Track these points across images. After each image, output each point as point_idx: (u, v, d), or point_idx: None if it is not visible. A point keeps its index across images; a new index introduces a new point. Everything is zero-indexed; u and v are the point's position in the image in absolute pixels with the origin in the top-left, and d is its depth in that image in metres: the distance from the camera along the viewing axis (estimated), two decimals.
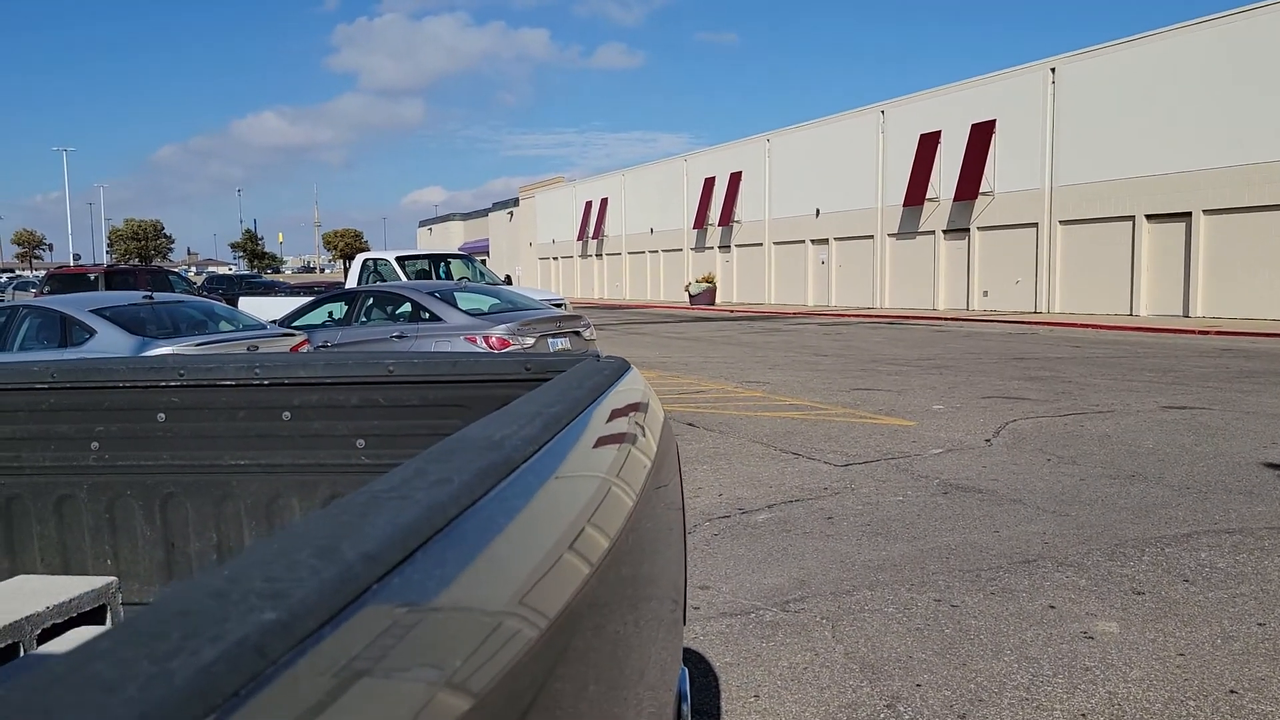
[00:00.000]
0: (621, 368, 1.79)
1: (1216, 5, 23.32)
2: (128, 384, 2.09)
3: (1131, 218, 25.37)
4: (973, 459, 7.29)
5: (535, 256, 62.83)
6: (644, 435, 1.58)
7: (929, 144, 31.39)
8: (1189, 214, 23.97)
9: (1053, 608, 4.13)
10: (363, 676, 0.58)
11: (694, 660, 3.65)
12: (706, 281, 40.52)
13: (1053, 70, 27.45)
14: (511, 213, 67.16)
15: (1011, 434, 8.32)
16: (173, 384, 2.07)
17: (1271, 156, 22.09)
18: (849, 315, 30.22)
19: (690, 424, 9.11)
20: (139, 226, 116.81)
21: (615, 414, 1.51)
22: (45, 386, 2.16)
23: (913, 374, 13.14)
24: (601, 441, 1.36)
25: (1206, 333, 19.85)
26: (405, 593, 0.67)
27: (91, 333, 8.05)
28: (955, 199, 30.37)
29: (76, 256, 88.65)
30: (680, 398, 11.07)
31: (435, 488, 0.83)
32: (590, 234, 54.84)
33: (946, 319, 27.12)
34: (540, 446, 1.08)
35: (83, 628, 1.95)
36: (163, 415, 2.10)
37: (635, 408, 1.64)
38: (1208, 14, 23.67)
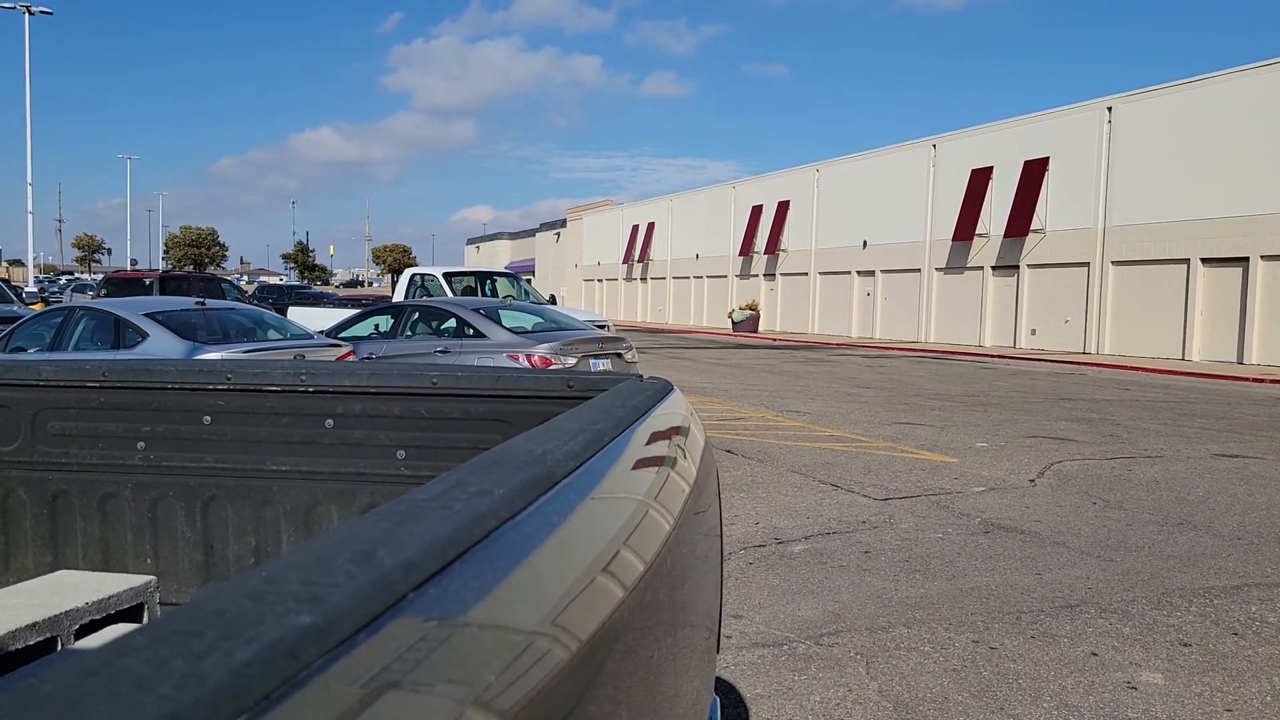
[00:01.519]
0: (664, 389, 1.78)
1: (1275, 50, 22.92)
2: (176, 386, 2.12)
3: (1186, 260, 24.88)
4: (1016, 499, 7.15)
5: (580, 278, 63.18)
6: (684, 458, 1.56)
7: (980, 179, 31.11)
8: (1246, 258, 23.46)
9: (1095, 655, 4.02)
10: (395, 686, 0.58)
11: (725, 690, 3.61)
12: (750, 309, 40.41)
13: (1109, 109, 27.12)
14: (559, 234, 67.68)
15: (1056, 475, 8.16)
16: (220, 388, 2.10)
17: None
18: (893, 348, 29.94)
19: (729, 451, 9.06)
20: (196, 234, 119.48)
21: (656, 435, 1.50)
22: (96, 385, 2.20)
23: (956, 410, 12.96)
24: (642, 463, 1.35)
25: (1261, 380, 19.36)
26: (442, 603, 0.66)
27: (144, 336, 8.22)
28: (1005, 235, 30.03)
29: (133, 261, 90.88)
30: (720, 424, 11.01)
31: (475, 499, 0.83)
32: (635, 257, 55.04)
33: (993, 356, 26.75)
34: (581, 463, 1.07)
35: (120, 625, 1.97)
36: (209, 418, 2.13)
37: (677, 430, 1.63)
38: (1267, 58, 23.28)
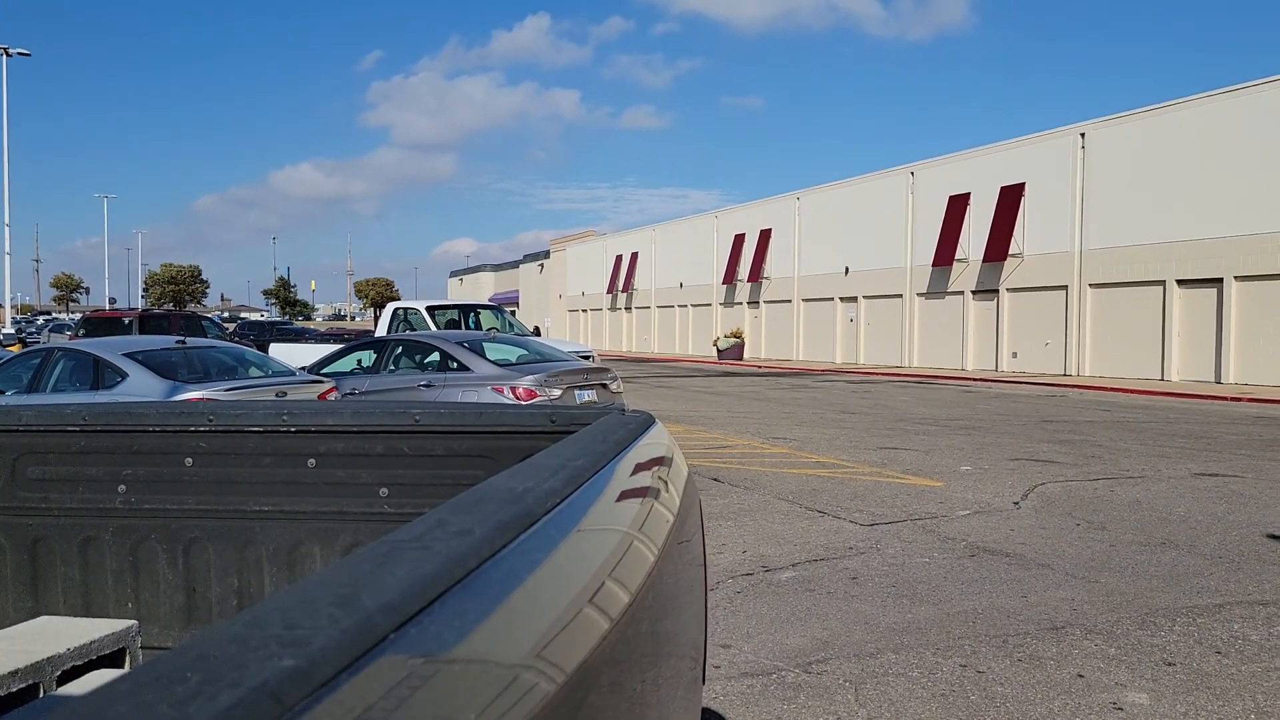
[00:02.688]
0: (646, 422, 1.80)
1: (1245, 74, 23.39)
2: (157, 428, 2.12)
3: (1162, 282, 25.18)
4: (1000, 522, 7.19)
5: (564, 308, 63.26)
6: (667, 490, 1.58)
7: (958, 205, 31.46)
8: (1221, 280, 23.77)
9: (1081, 676, 4.04)
10: None
11: None
12: (735, 336, 40.55)
13: (1083, 135, 27.53)
14: (542, 265, 67.83)
15: (1040, 497, 8.20)
16: (202, 429, 2.11)
17: None
18: (877, 373, 30.07)
19: (716, 479, 9.06)
20: (176, 271, 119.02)
21: (639, 468, 1.52)
22: (76, 429, 2.20)
23: (940, 434, 13.02)
24: (624, 495, 1.36)
25: (1239, 399, 19.55)
26: (423, 643, 0.68)
27: (124, 376, 8.18)
28: (984, 260, 30.32)
29: (112, 300, 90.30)
30: (706, 452, 11.02)
31: (456, 539, 0.85)
32: (620, 287, 55.20)
33: (975, 379, 26.91)
34: (563, 499, 1.09)
35: (102, 670, 1.96)
36: (190, 460, 2.13)
37: (659, 462, 1.65)
38: (1237, 83, 23.74)
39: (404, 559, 0.78)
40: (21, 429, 2.24)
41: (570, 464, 1.27)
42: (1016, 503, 7.96)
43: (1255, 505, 7.86)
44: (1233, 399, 19.66)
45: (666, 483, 1.61)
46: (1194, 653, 4.33)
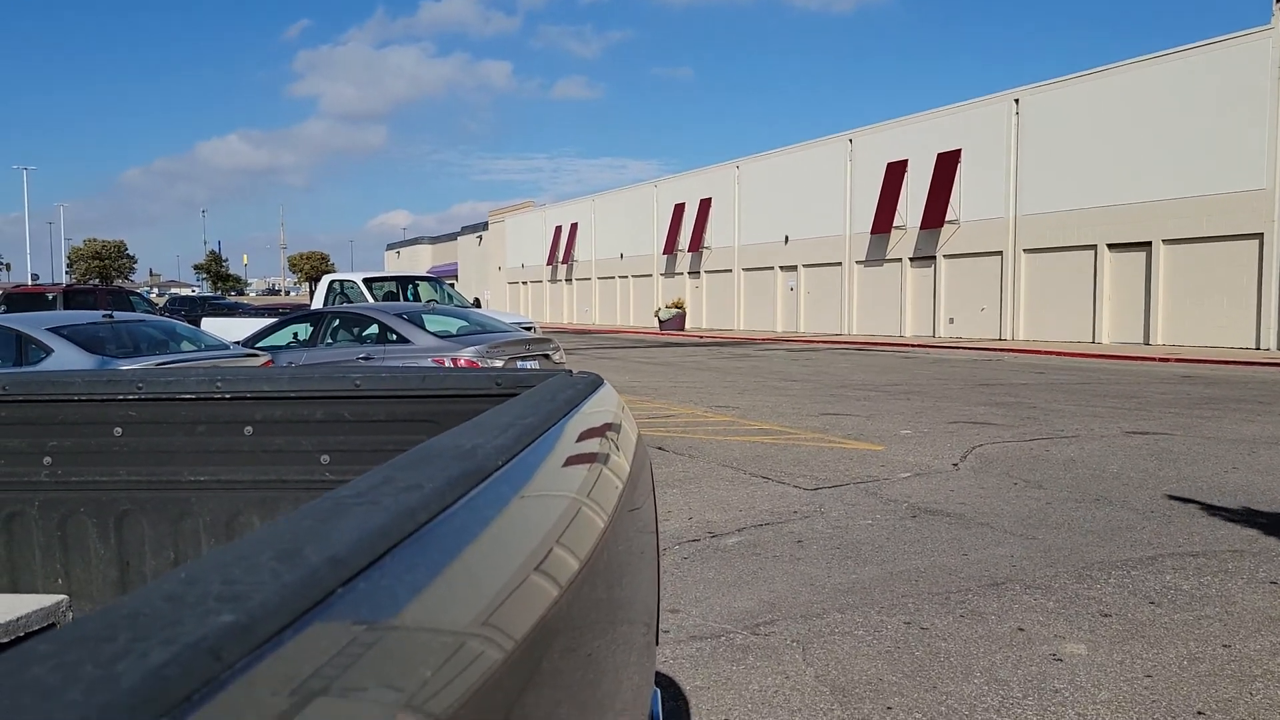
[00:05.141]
0: (595, 382, 1.76)
1: (1175, 40, 23.95)
2: (83, 397, 2.02)
3: (1094, 247, 25.81)
4: (940, 483, 7.32)
5: (504, 281, 62.73)
6: (617, 453, 1.55)
7: (896, 172, 31.81)
8: (1149, 244, 24.44)
9: (1021, 630, 4.13)
10: (325, 685, 0.55)
11: (665, 684, 3.60)
12: (676, 307, 40.63)
13: (1016, 101, 27.96)
14: (481, 237, 67.08)
15: (978, 458, 8.37)
16: (130, 397, 2.01)
17: (1228, 188, 22.61)
18: (817, 341, 30.41)
19: (660, 448, 9.08)
20: (101, 247, 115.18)
21: (589, 432, 1.48)
22: None
23: (880, 400, 13.21)
24: (574, 459, 1.33)
25: (1167, 360, 20.18)
26: (372, 598, 0.64)
27: (48, 351, 7.88)
28: (922, 227, 30.75)
29: (35, 276, 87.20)
30: (650, 421, 11.03)
31: (405, 493, 0.80)
32: (560, 259, 54.87)
33: (913, 345, 27.36)
34: (513, 456, 1.05)
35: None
36: (119, 430, 2.04)
37: (609, 426, 1.61)
38: (1166, 48, 24.29)
39: (350, 514, 0.73)
40: None
41: (520, 421, 1.22)
42: (956, 464, 8.11)
43: (1184, 461, 8.12)
44: (1161, 360, 20.28)
45: (616, 446, 1.57)
46: (1129, 604, 4.46)
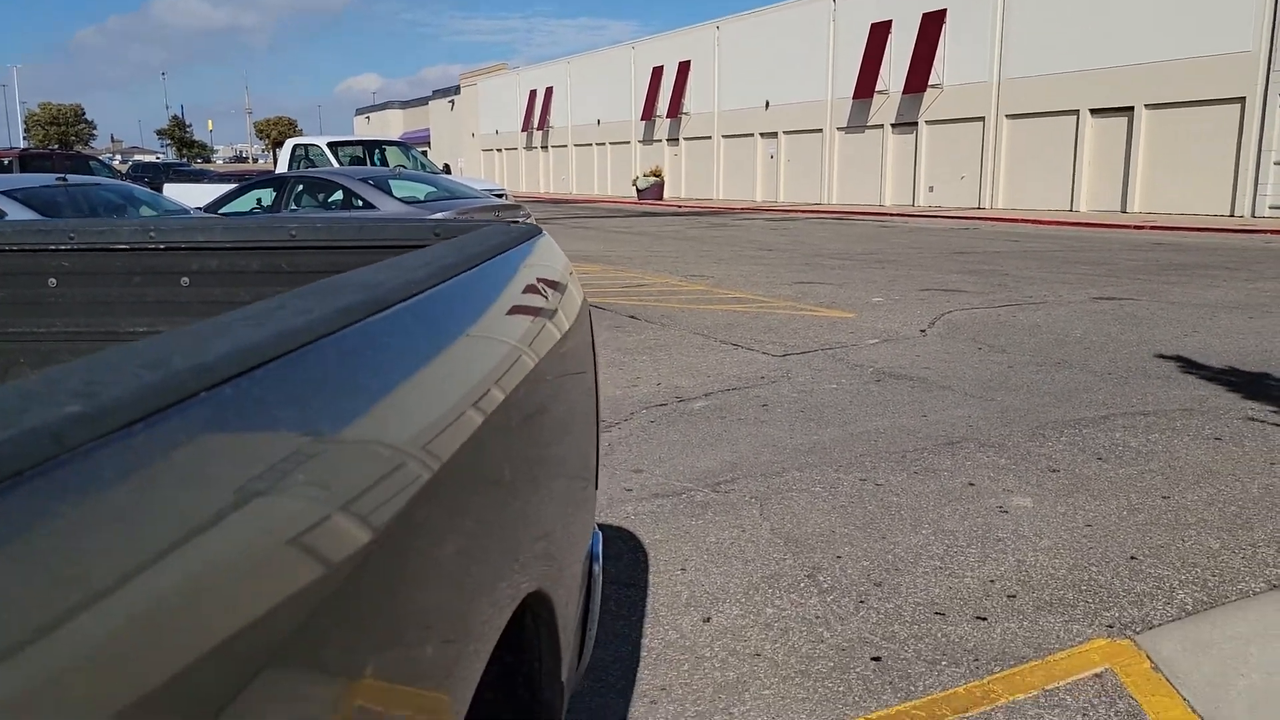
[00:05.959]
0: (531, 231, 1.74)
1: None
2: (14, 247, 1.99)
3: (1076, 112, 25.44)
4: (907, 348, 7.41)
5: (479, 148, 61.32)
6: (545, 304, 1.55)
7: (880, 34, 30.91)
8: (1131, 108, 24.11)
9: (972, 485, 4.27)
10: (179, 476, 0.56)
11: (625, 538, 3.72)
12: (654, 175, 40.00)
13: None
14: (453, 101, 65.15)
15: (946, 325, 8.46)
16: (63, 247, 1.98)
17: (1212, 50, 22.17)
18: (796, 211, 30.17)
19: (632, 316, 9.10)
20: (58, 111, 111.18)
21: (516, 280, 1.47)
22: None
23: (855, 268, 13.23)
24: (493, 302, 1.32)
25: (1141, 227, 20.23)
26: (239, 405, 0.64)
27: (0, 215, 7.70)
28: (905, 92, 30.11)
29: None
30: (624, 290, 11.02)
31: (293, 317, 0.80)
32: (535, 125, 53.53)
33: (892, 214, 27.23)
34: (421, 291, 1.04)
35: None
36: (54, 280, 2.01)
37: (542, 278, 1.60)
38: None
39: (232, 332, 0.73)
40: None
41: (438, 260, 1.21)
42: (923, 330, 8.20)
43: (1147, 325, 8.24)
44: (1136, 227, 20.33)
45: (545, 296, 1.57)
46: (1077, 460, 4.60)
